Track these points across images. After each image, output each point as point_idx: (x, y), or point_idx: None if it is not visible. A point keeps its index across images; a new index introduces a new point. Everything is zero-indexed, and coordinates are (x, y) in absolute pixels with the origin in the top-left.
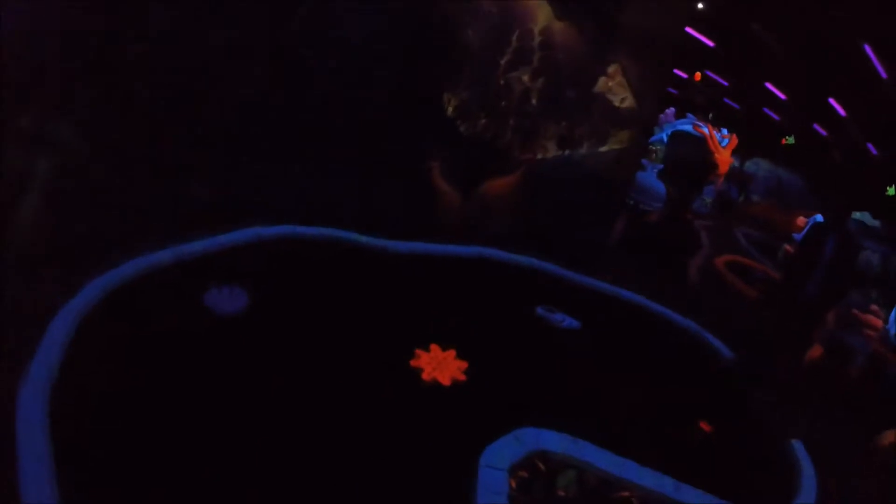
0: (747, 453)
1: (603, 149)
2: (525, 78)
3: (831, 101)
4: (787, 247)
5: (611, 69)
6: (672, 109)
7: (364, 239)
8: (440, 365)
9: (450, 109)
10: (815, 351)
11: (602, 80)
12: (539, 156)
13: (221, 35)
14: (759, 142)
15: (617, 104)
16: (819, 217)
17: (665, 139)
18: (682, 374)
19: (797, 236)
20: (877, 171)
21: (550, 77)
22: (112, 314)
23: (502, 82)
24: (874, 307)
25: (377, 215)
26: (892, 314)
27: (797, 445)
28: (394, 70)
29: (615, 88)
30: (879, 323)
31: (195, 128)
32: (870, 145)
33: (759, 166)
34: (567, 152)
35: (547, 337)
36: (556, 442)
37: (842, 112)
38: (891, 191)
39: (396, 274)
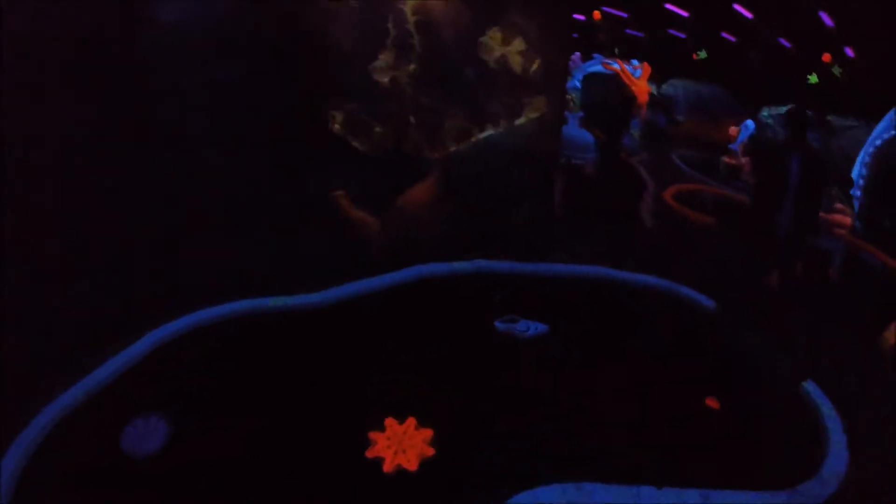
0: (764, 420)
1: (520, 122)
2: (412, 68)
3: (736, 6)
4: (726, 158)
5: (505, 32)
6: (577, 54)
7: (279, 302)
8: (401, 444)
9: (336, 127)
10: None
11: (495, 44)
12: (452, 148)
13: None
14: (671, 64)
15: (522, 69)
16: (750, 123)
17: (578, 85)
18: (669, 347)
19: (733, 146)
20: (795, 64)
21: (440, 59)
22: None
23: (387, 79)
24: (838, 206)
25: (294, 271)
26: (857, 205)
27: (810, 387)
28: (260, 109)
29: (515, 53)
30: (848, 220)
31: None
32: (782, 41)
33: (678, 87)
34: (482, 136)
35: (515, 357)
36: (557, 495)
37: (748, 15)
38: (812, 78)
39: (326, 330)
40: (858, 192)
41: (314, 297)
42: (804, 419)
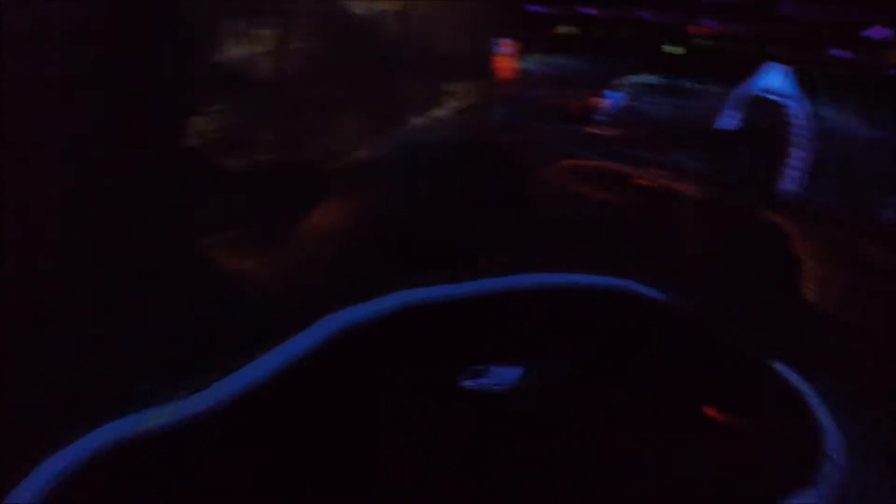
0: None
1: (441, 113)
2: (298, 49)
3: None
4: (593, 129)
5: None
6: None
7: (148, 420)
8: None
9: (196, 140)
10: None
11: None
12: (360, 154)
13: None
14: (531, 42)
15: (443, 49)
16: (618, 94)
17: None
18: (645, 358)
19: (601, 117)
20: (653, 33)
21: (337, 39)
22: None
23: (268, 68)
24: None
25: (156, 365)
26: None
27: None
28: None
29: (432, 27)
30: None
31: None
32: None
33: (535, 61)
34: (398, 136)
35: (495, 425)
36: None
37: None
38: (675, 49)
39: (230, 443)
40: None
41: (198, 401)
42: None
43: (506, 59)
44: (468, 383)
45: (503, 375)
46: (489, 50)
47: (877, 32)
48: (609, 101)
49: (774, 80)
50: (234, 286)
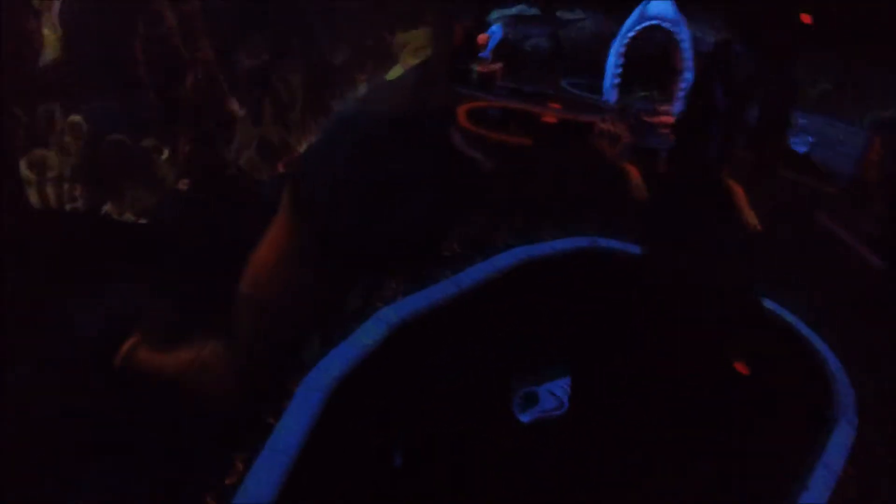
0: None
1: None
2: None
3: None
4: (479, 67)
5: None
6: None
7: None
8: None
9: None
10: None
11: None
12: (297, 146)
13: None
14: None
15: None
16: (497, 28)
17: None
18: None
19: (484, 54)
20: None
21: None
22: None
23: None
24: (663, 107)
25: None
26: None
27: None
28: None
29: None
30: (670, 119)
31: None
32: None
33: None
34: (338, 110)
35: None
36: None
37: None
38: None
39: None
40: (616, 80)
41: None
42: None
43: None
44: (526, 417)
45: (555, 393)
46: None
47: None
48: (490, 37)
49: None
50: (183, 389)
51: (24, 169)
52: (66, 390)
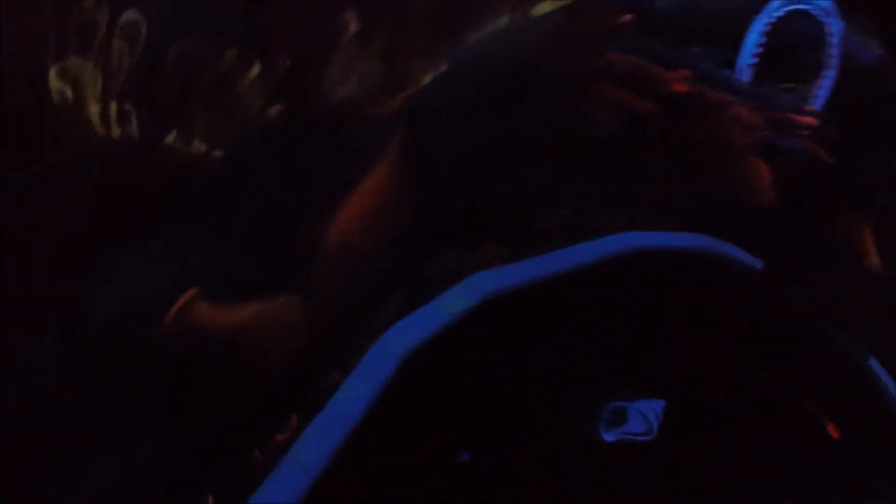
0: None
1: (539, 9)
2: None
3: None
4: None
5: None
6: None
7: None
8: None
9: (55, 94)
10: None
11: None
12: (415, 84)
13: None
14: None
15: None
16: None
17: None
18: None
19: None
20: None
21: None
22: None
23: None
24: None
25: None
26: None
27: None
28: None
29: None
30: (813, 121)
31: None
32: None
33: None
34: (463, 49)
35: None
36: None
37: None
38: None
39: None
40: (754, 60)
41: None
42: None
43: None
44: (610, 436)
45: (645, 415)
46: None
47: None
48: None
49: None
50: (242, 359)
51: (53, 81)
52: (87, 370)
